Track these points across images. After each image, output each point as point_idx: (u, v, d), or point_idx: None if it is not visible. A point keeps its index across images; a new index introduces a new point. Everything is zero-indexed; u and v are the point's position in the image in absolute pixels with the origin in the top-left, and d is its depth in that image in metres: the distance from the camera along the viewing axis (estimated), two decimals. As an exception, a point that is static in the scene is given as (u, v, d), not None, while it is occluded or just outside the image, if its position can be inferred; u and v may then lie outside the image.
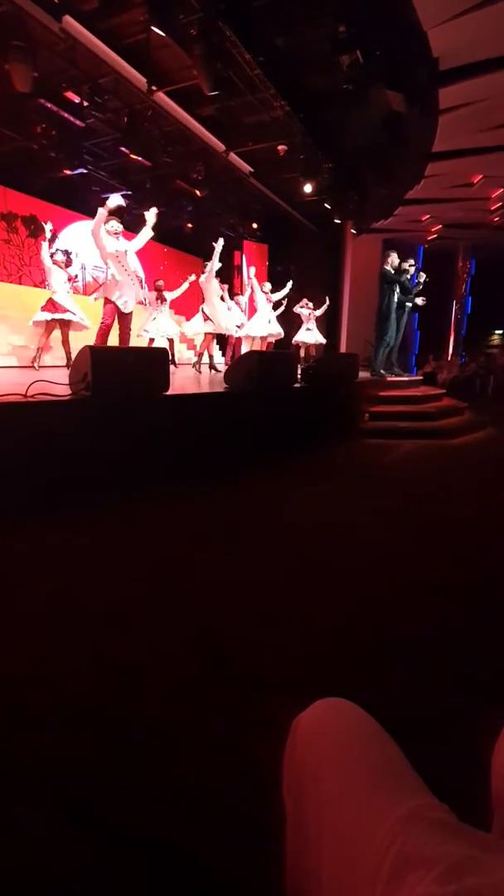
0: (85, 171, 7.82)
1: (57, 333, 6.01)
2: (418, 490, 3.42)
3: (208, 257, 6.81)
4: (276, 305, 7.85)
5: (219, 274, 6.98)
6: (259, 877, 0.76)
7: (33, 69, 4.85)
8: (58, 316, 5.78)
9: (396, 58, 4.88)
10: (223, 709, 1.20)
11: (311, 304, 8.77)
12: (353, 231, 10.49)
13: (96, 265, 9.34)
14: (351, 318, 11.07)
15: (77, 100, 5.98)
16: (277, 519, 2.71)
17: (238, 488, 3.31)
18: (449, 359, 12.50)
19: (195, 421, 3.66)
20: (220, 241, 6.47)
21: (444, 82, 5.10)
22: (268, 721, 0.93)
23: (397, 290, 6.76)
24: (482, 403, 8.42)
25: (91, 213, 9.01)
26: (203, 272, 6.82)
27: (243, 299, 8.50)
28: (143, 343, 6.73)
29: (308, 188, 7.51)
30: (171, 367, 4.94)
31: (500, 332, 13.57)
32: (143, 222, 4.72)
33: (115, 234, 4.65)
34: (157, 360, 3.55)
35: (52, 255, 5.95)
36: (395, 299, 6.77)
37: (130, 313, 4.98)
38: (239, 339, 8.01)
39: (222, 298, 7.28)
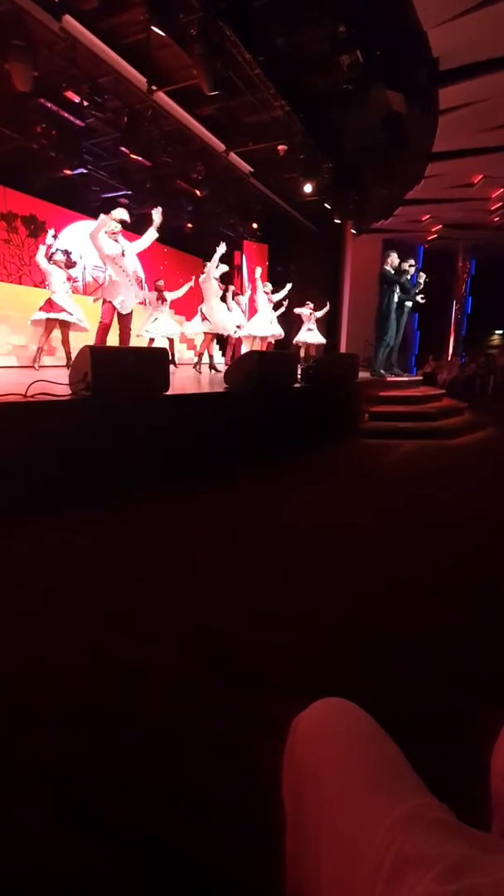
0: (85, 170, 7.82)
1: (57, 333, 6.01)
2: (418, 490, 3.42)
3: (208, 257, 6.81)
4: (277, 306, 7.86)
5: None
6: (259, 877, 0.77)
7: (33, 69, 4.85)
8: (53, 315, 5.79)
9: (396, 58, 4.88)
10: (223, 709, 1.20)
11: (311, 305, 8.78)
12: (353, 231, 10.50)
13: (96, 265, 9.34)
14: (351, 319, 11.08)
15: (77, 99, 5.99)
16: (277, 519, 2.71)
17: (238, 488, 3.31)
18: (449, 359, 12.50)
19: (195, 421, 3.66)
20: (222, 246, 6.49)
21: (444, 82, 5.11)
22: (268, 721, 0.93)
23: (397, 290, 6.76)
24: (482, 404, 8.42)
25: (91, 213, 9.06)
26: (203, 272, 6.82)
27: (243, 299, 8.50)
28: (143, 343, 6.74)
29: (308, 188, 7.51)
30: (171, 367, 4.94)
31: (500, 332, 13.58)
32: (143, 222, 4.73)
33: (114, 234, 4.65)
34: (157, 360, 3.55)
35: (52, 256, 5.95)
36: (395, 299, 6.77)
37: (130, 313, 4.98)
38: (239, 339, 8.02)
39: (223, 299, 7.28)
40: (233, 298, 7.98)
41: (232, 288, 8.27)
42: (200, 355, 7.17)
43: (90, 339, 5.21)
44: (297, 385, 4.90)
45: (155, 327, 6.76)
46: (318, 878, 0.41)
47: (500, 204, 8.69)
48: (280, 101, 5.83)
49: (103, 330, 4.91)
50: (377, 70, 4.78)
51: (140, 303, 5.69)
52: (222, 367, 6.75)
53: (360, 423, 5.68)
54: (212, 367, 7.13)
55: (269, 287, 7.82)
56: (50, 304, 5.79)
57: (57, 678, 1.30)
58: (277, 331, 7.95)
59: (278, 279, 8.01)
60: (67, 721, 1.15)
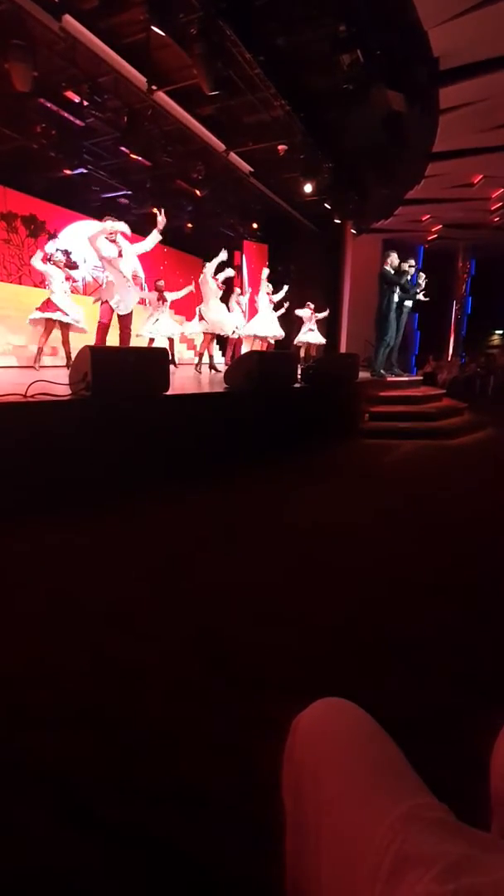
0: (85, 170, 7.82)
1: (57, 333, 6.01)
2: (418, 490, 3.42)
3: (208, 258, 6.82)
4: (277, 307, 7.87)
5: (218, 274, 6.98)
6: (259, 877, 0.77)
7: (33, 68, 4.85)
8: (47, 315, 5.81)
9: (397, 57, 4.88)
10: (223, 709, 1.20)
11: (311, 305, 8.79)
12: (353, 231, 10.49)
13: (96, 265, 9.34)
14: (351, 319, 11.07)
15: (77, 99, 5.98)
16: (277, 519, 2.71)
17: (238, 488, 3.31)
18: (449, 359, 12.50)
19: (195, 421, 3.66)
20: (223, 253, 6.56)
21: (444, 82, 5.10)
22: (268, 721, 0.93)
23: (397, 290, 6.75)
24: (482, 404, 8.42)
25: (91, 213, 9.07)
26: (202, 273, 6.83)
27: (244, 299, 8.50)
28: (143, 343, 6.74)
29: (308, 188, 7.50)
30: (171, 368, 4.94)
31: (500, 332, 13.57)
32: (143, 222, 4.75)
33: (112, 234, 4.67)
34: (157, 360, 3.55)
35: (50, 257, 5.96)
36: (395, 299, 6.77)
37: (130, 313, 4.99)
38: (239, 340, 8.02)
39: (224, 300, 7.29)
40: (235, 300, 7.99)
41: (238, 290, 8.30)
42: (201, 355, 7.17)
43: (91, 339, 5.21)
44: (297, 385, 4.90)
45: (156, 328, 6.77)
46: (318, 877, 0.41)
47: (501, 204, 8.69)
48: (280, 100, 5.83)
49: (102, 330, 4.93)
50: (377, 70, 4.78)
51: (140, 302, 5.69)
52: (222, 367, 6.75)
53: (360, 423, 5.68)
54: (212, 367, 7.13)
55: (270, 287, 7.84)
56: (47, 304, 5.79)
57: (57, 678, 1.30)
58: (278, 331, 7.95)
59: (278, 279, 8.01)
60: (67, 721, 1.15)
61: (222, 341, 8.28)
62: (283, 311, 8.03)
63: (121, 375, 3.14)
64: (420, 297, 7.14)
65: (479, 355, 12.50)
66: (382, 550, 2.28)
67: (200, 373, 6.94)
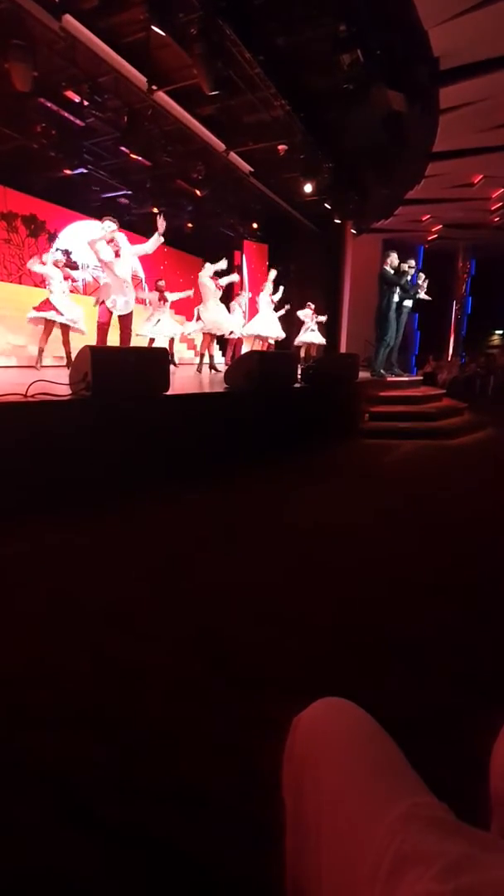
0: (85, 170, 7.82)
1: (57, 333, 6.01)
2: (418, 490, 3.42)
3: (208, 258, 6.83)
4: (277, 307, 7.89)
5: (218, 274, 6.98)
6: (259, 877, 0.77)
7: (33, 68, 4.85)
8: (42, 314, 5.82)
9: (397, 57, 4.88)
10: (223, 709, 1.20)
11: (312, 306, 8.80)
12: (353, 231, 10.49)
13: (96, 265, 9.35)
14: (351, 319, 11.07)
15: (77, 99, 5.98)
16: (277, 519, 2.71)
17: (238, 488, 3.31)
18: (449, 359, 12.51)
19: (195, 421, 3.66)
20: (223, 262, 6.65)
21: (444, 82, 5.11)
22: (268, 721, 0.93)
23: (397, 290, 6.76)
24: (482, 404, 8.42)
25: (91, 213, 9.06)
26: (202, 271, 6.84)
27: (244, 300, 8.51)
28: (144, 343, 6.74)
29: (308, 188, 7.51)
30: (171, 367, 4.95)
31: (501, 332, 13.58)
32: (143, 222, 4.78)
33: (111, 234, 4.69)
34: (158, 360, 3.55)
35: (55, 260, 5.97)
36: (395, 299, 6.77)
37: (130, 313, 5.00)
38: (239, 340, 8.02)
39: (226, 301, 7.31)
40: (236, 301, 8.00)
41: (244, 293, 8.32)
42: (202, 356, 7.18)
43: (90, 339, 5.22)
44: (297, 385, 4.90)
45: (158, 329, 6.79)
46: (318, 876, 0.41)
47: (501, 204, 8.69)
48: (280, 100, 5.83)
49: (101, 330, 4.97)
50: (377, 69, 4.78)
51: (139, 302, 5.69)
52: (222, 367, 6.75)
53: (360, 423, 5.68)
54: (212, 367, 7.14)
55: (270, 288, 7.84)
56: (45, 304, 5.81)
57: (57, 678, 1.30)
58: (278, 332, 7.95)
59: (278, 279, 8.01)
60: (67, 721, 1.15)
61: (222, 341, 8.29)
62: (283, 312, 8.03)
63: (121, 375, 3.14)
64: (421, 295, 7.13)
65: (479, 355, 12.50)
66: (382, 550, 2.28)
67: (200, 372, 6.95)
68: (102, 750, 1.06)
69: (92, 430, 2.97)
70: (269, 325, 7.85)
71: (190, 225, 10.36)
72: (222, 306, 6.97)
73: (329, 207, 8.63)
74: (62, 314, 5.80)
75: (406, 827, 0.35)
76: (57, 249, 6.34)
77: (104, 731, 1.12)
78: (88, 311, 6.24)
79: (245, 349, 7.91)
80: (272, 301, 7.84)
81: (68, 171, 7.68)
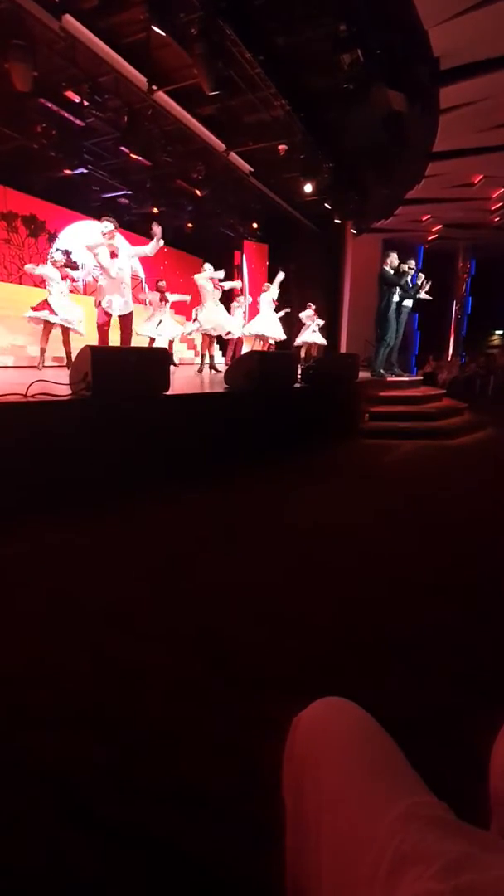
0: (85, 170, 7.82)
1: (57, 333, 6.01)
2: (418, 490, 3.42)
3: (208, 258, 6.84)
4: (277, 308, 7.89)
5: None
6: (259, 876, 0.77)
7: (33, 68, 4.85)
8: (37, 314, 5.84)
9: (397, 57, 4.88)
10: (223, 709, 1.20)
11: (312, 306, 8.81)
12: (353, 231, 10.49)
13: (95, 265, 9.35)
14: (351, 319, 11.07)
15: (77, 99, 5.98)
16: (277, 519, 2.71)
17: (238, 488, 3.31)
18: (449, 359, 12.50)
19: (195, 421, 3.66)
20: (221, 272, 6.71)
21: (444, 82, 5.10)
22: (268, 721, 0.93)
23: (397, 290, 6.76)
24: (482, 404, 8.42)
25: (91, 213, 9.06)
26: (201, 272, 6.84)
27: (243, 302, 8.51)
28: (144, 343, 6.75)
29: (308, 188, 7.51)
30: (171, 367, 4.96)
31: (501, 332, 13.57)
32: (143, 222, 4.81)
33: (110, 235, 4.71)
34: (158, 360, 3.55)
35: (50, 257, 5.99)
36: (395, 299, 6.77)
37: (130, 314, 5.01)
38: (240, 340, 8.03)
39: (227, 302, 7.33)
40: (234, 300, 8.01)
41: (245, 297, 8.33)
42: (202, 356, 7.18)
43: (89, 340, 5.23)
44: (297, 385, 4.90)
45: (160, 330, 6.81)
46: (319, 875, 0.41)
47: (501, 204, 8.69)
48: (280, 100, 5.83)
49: (100, 331, 5.00)
50: (378, 69, 4.78)
51: (139, 302, 5.71)
52: (222, 367, 6.75)
53: (361, 423, 5.68)
54: (212, 367, 7.14)
55: (276, 288, 7.85)
56: (43, 304, 5.83)
57: (57, 678, 1.30)
58: (279, 332, 7.95)
59: (282, 282, 8.02)
60: (67, 721, 1.15)
61: (223, 342, 8.29)
62: (282, 314, 8.03)
63: (121, 375, 3.14)
64: (422, 295, 7.13)
65: (479, 355, 12.50)
66: (382, 550, 2.28)
67: (201, 373, 6.95)
68: (102, 750, 1.07)
69: (92, 430, 2.97)
70: (269, 326, 7.85)
71: (190, 225, 10.36)
72: (220, 307, 6.97)
73: (329, 207, 8.63)
74: (56, 314, 5.80)
75: (406, 826, 0.35)
76: (57, 249, 6.34)
77: (104, 731, 1.12)
78: (89, 311, 6.25)
79: (246, 349, 7.91)
80: (274, 301, 7.84)
81: (68, 171, 7.68)
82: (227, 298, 7.58)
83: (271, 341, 8.03)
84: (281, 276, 7.72)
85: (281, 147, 6.91)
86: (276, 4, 4.50)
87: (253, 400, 4.16)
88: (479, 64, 4.88)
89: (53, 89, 5.78)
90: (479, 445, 5.21)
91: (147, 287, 9.37)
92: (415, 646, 1.49)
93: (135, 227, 9.64)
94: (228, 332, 7.20)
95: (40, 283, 8.12)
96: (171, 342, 7.24)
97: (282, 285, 7.89)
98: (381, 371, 7.02)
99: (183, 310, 9.62)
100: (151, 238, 4.85)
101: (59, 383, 3.09)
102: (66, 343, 6.02)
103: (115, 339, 5.24)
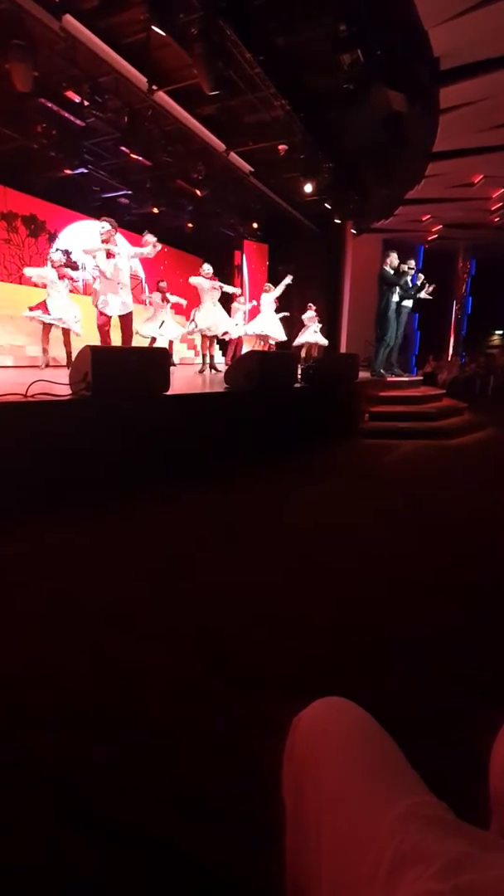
0: (85, 170, 7.82)
1: (58, 333, 6.01)
2: (418, 490, 3.42)
3: (208, 258, 6.85)
4: (278, 310, 7.89)
5: (217, 274, 6.99)
6: (259, 876, 0.77)
7: (33, 68, 4.85)
8: (31, 314, 5.86)
9: (397, 57, 4.88)
10: (223, 709, 1.20)
11: (313, 307, 8.81)
12: (353, 231, 10.49)
13: (95, 265, 9.35)
14: (351, 319, 11.08)
15: (77, 99, 5.99)
16: (277, 519, 2.71)
17: (238, 488, 3.32)
18: (449, 359, 12.50)
19: (195, 421, 3.66)
20: (216, 283, 6.73)
21: (444, 82, 5.10)
22: (268, 721, 0.93)
23: (396, 289, 6.76)
24: (482, 404, 8.42)
25: (91, 213, 9.07)
26: (199, 273, 6.84)
27: (243, 303, 8.51)
28: (144, 343, 6.75)
29: (308, 188, 7.51)
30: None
31: (501, 332, 13.57)
32: (143, 222, 4.83)
33: (107, 237, 4.72)
34: (158, 360, 3.55)
35: (49, 257, 6.00)
36: (395, 299, 6.77)
37: (130, 314, 5.01)
38: (240, 340, 8.03)
39: (227, 303, 7.34)
40: (235, 301, 8.01)
41: (245, 300, 8.33)
42: (204, 356, 7.19)
43: (89, 339, 5.24)
44: (297, 385, 4.90)
45: (164, 330, 6.83)
46: (318, 875, 0.41)
47: (501, 204, 8.69)
48: (280, 100, 5.83)
49: (100, 332, 5.02)
50: (378, 69, 4.78)
51: (140, 302, 5.72)
52: (222, 367, 6.75)
53: (361, 423, 5.68)
54: (212, 366, 7.14)
55: (271, 287, 7.84)
56: (40, 304, 5.85)
57: (57, 678, 1.30)
58: (279, 333, 7.94)
59: (279, 279, 8.02)
60: (67, 721, 1.15)
61: (223, 342, 8.30)
62: (282, 316, 8.02)
63: (121, 375, 3.14)
64: (422, 294, 7.13)
65: (479, 355, 12.50)
66: (382, 550, 2.28)
67: (202, 373, 6.95)
68: (102, 750, 1.07)
69: (92, 430, 2.97)
70: (271, 326, 7.85)
71: (190, 225, 10.36)
72: (218, 307, 6.95)
73: (329, 207, 8.63)
74: (48, 313, 5.81)
75: (406, 826, 0.35)
76: (57, 250, 6.35)
77: (104, 731, 1.12)
78: (90, 311, 6.25)
79: (246, 349, 7.91)
80: (275, 301, 7.84)
81: (68, 171, 7.69)
82: (228, 299, 7.57)
83: (272, 342, 8.03)
84: (288, 279, 7.69)
85: (281, 147, 6.91)
86: (276, 4, 4.50)
87: (253, 400, 4.16)
88: (479, 64, 4.87)
89: (54, 89, 5.79)
90: (479, 445, 5.21)
91: (147, 287, 9.37)
92: (415, 646, 1.49)
93: (135, 227, 9.64)
94: (225, 333, 7.19)
95: (40, 282, 8.12)
96: (170, 342, 7.25)
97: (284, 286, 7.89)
98: (381, 371, 7.02)
99: (183, 310, 9.64)
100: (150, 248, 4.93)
101: (59, 383, 3.09)
102: (67, 343, 6.02)
103: (116, 339, 5.25)
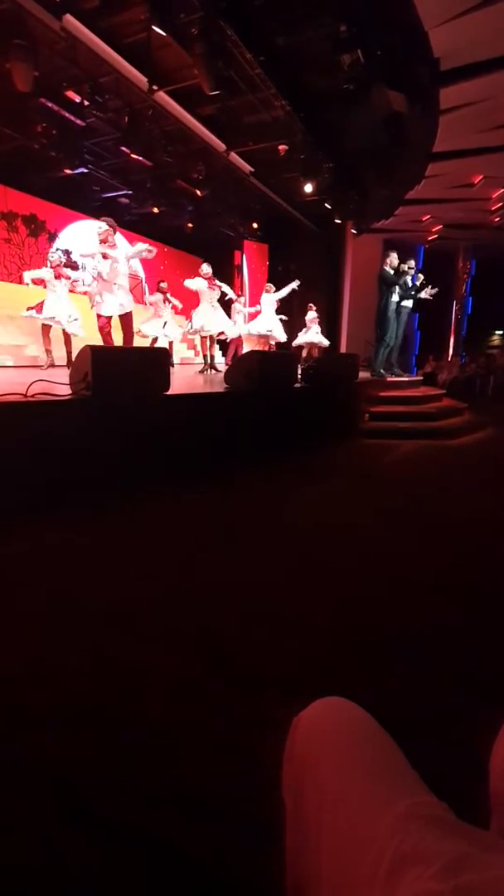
0: (85, 170, 7.83)
1: (59, 333, 6.01)
2: (418, 490, 3.42)
3: (208, 258, 6.85)
4: (279, 311, 7.89)
5: (216, 274, 6.99)
6: (259, 877, 0.77)
7: (34, 68, 4.86)
8: (28, 314, 5.87)
9: (397, 58, 4.88)
10: (223, 709, 1.20)
11: (314, 307, 8.81)
12: (353, 231, 10.50)
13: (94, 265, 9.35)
14: (351, 319, 11.08)
15: (78, 99, 5.99)
16: (277, 519, 2.71)
17: (238, 488, 3.32)
18: (449, 359, 12.50)
19: (195, 421, 3.66)
20: (213, 290, 6.71)
21: (445, 82, 5.10)
22: (268, 721, 0.93)
23: (396, 289, 6.76)
24: (482, 404, 8.42)
25: (91, 213, 9.07)
26: (199, 274, 6.84)
27: (241, 306, 8.51)
28: (146, 342, 6.76)
29: (308, 188, 7.51)
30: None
31: (501, 332, 13.57)
32: (143, 222, 4.84)
33: (104, 235, 4.73)
34: (158, 361, 3.55)
35: (50, 259, 6.01)
36: (395, 299, 6.77)
37: (129, 314, 5.02)
38: (240, 340, 8.03)
39: (226, 304, 7.34)
40: (235, 301, 8.01)
41: (244, 301, 8.34)
42: (205, 356, 7.19)
43: (89, 340, 5.25)
44: (297, 385, 4.90)
45: (167, 331, 6.83)
46: (318, 875, 0.41)
47: (501, 204, 8.69)
48: (280, 100, 5.83)
49: (102, 333, 5.03)
50: (378, 70, 4.78)
51: (140, 302, 5.73)
52: (222, 367, 6.75)
53: (361, 423, 5.69)
54: (212, 367, 7.14)
55: (272, 287, 7.83)
56: (40, 305, 5.86)
57: (57, 678, 1.30)
58: (280, 333, 7.94)
59: (279, 279, 8.02)
60: (67, 721, 1.15)
61: (224, 342, 8.30)
62: (280, 318, 8.02)
63: (121, 375, 3.14)
64: (423, 294, 7.12)
65: (479, 355, 12.49)
66: (382, 550, 2.28)
67: (202, 373, 6.96)
68: (102, 750, 1.07)
69: (92, 430, 2.97)
70: (272, 326, 7.85)
71: (190, 225, 10.36)
72: (216, 308, 6.93)
73: (329, 207, 8.64)
74: (41, 313, 5.82)
75: (406, 826, 0.35)
76: (57, 249, 6.35)
77: (104, 731, 1.12)
78: (92, 312, 6.24)
79: (247, 349, 7.91)
80: (277, 302, 7.84)
81: (69, 171, 7.69)
82: (228, 299, 7.57)
83: (272, 342, 8.03)
84: (295, 284, 7.68)
85: (281, 147, 6.91)
86: (276, 4, 4.50)
87: (253, 400, 4.17)
88: (479, 64, 4.88)
89: (54, 89, 5.79)
90: (479, 445, 5.21)
91: (148, 288, 9.38)
92: (415, 646, 1.49)
93: (135, 227, 9.65)
94: (220, 333, 7.18)
95: (41, 282, 8.11)
96: (170, 343, 7.26)
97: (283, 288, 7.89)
98: (381, 371, 7.02)
99: (183, 311, 9.65)
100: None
101: (59, 383, 3.09)
102: (67, 343, 6.02)
103: (117, 341, 5.26)
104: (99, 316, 4.92)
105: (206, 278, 6.71)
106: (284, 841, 0.52)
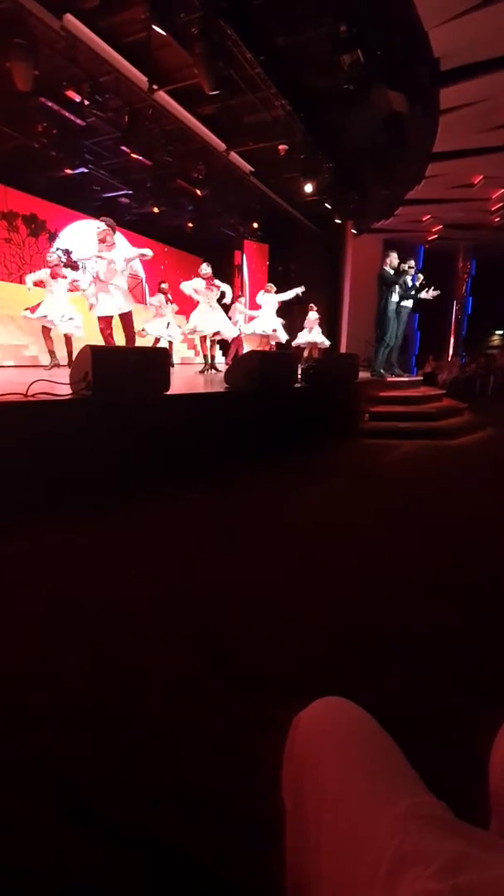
0: (85, 170, 7.83)
1: (60, 334, 6.01)
2: (418, 490, 3.42)
3: (208, 258, 6.84)
4: (279, 312, 7.90)
5: (216, 274, 6.99)
6: (259, 876, 0.77)
7: (34, 67, 4.86)
8: (25, 313, 5.88)
9: (397, 58, 4.88)
10: (223, 709, 1.20)
11: (314, 307, 8.82)
12: (353, 231, 10.50)
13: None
14: (351, 319, 11.08)
15: (78, 98, 5.99)
16: (277, 519, 2.71)
17: (238, 488, 3.32)
18: (449, 359, 12.50)
19: (195, 421, 3.66)
20: (225, 288, 6.68)
21: (445, 82, 5.11)
22: (268, 721, 0.93)
23: (396, 289, 6.76)
24: (482, 404, 8.43)
25: (92, 213, 9.07)
26: (198, 275, 6.84)
27: (240, 306, 8.51)
28: (148, 342, 6.77)
29: (308, 188, 7.51)
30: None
31: (501, 332, 13.57)
32: (143, 222, 4.84)
33: (102, 235, 4.74)
34: (158, 360, 3.55)
35: (48, 259, 6.01)
36: (395, 299, 6.77)
37: (129, 314, 5.02)
38: (240, 340, 8.03)
39: (226, 305, 7.34)
40: (235, 302, 8.02)
41: (244, 302, 8.34)
42: (205, 357, 7.19)
43: (89, 340, 5.25)
44: (297, 385, 4.90)
45: (170, 331, 6.84)
46: (318, 875, 0.41)
47: (501, 204, 8.69)
48: (280, 100, 5.83)
49: (103, 335, 5.04)
50: (378, 70, 4.78)
51: (140, 301, 5.73)
52: (222, 367, 6.75)
53: (361, 423, 5.69)
54: (212, 367, 7.14)
55: (273, 287, 7.83)
56: (37, 305, 5.88)
57: (57, 678, 1.30)
58: (281, 334, 7.94)
59: (279, 279, 8.02)
60: (67, 721, 1.15)
61: (225, 342, 8.30)
62: (283, 321, 8.03)
63: (121, 375, 3.14)
64: (423, 294, 7.12)
65: (479, 355, 12.50)
66: (382, 550, 2.28)
67: (203, 373, 6.95)
68: (102, 750, 1.07)
69: (92, 430, 2.97)
70: (275, 326, 7.86)
71: (190, 224, 10.36)
72: (214, 308, 6.92)
73: (329, 207, 8.64)
74: (34, 312, 5.83)
75: (405, 826, 0.35)
76: (57, 249, 6.36)
77: (104, 731, 1.12)
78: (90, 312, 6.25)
79: (247, 350, 7.91)
80: (278, 303, 7.84)
81: (69, 171, 7.69)
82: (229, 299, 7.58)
83: (273, 342, 8.03)
84: (300, 289, 7.67)
85: (281, 147, 6.91)
86: (276, 4, 4.50)
87: (253, 400, 4.16)
88: (479, 65, 4.88)
89: (54, 89, 5.79)
90: (479, 445, 5.21)
91: (148, 288, 9.38)
92: (415, 646, 1.49)
93: (135, 226, 9.65)
94: (216, 333, 7.18)
95: (40, 282, 8.11)
96: (170, 343, 7.26)
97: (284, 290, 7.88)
98: (381, 371, 7.02)
99: (184, 310, 9.65)
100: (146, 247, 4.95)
101: (59, 383, 3.09)
102: (68, 343, 6.02)
103: (119, 341, 5.26)
104: (99, 319, 4.92)
105: (204, 278, 6.71)
106: (284, 841, 0.52)
